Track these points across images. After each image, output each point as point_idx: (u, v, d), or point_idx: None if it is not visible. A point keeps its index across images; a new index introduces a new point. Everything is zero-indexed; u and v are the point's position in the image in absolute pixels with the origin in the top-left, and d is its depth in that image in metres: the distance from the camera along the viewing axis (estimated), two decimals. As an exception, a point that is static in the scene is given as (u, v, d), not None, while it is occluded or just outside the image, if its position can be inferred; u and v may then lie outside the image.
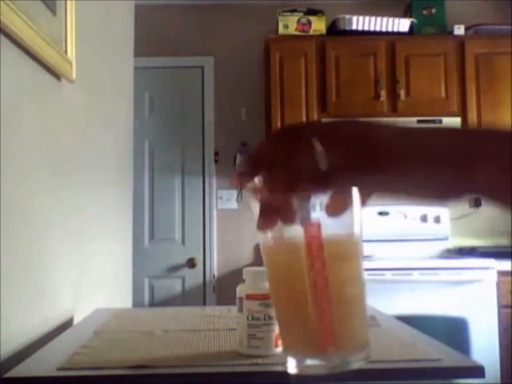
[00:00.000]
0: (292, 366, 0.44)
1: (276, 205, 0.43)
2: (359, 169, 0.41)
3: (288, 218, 0.43)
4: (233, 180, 0.44)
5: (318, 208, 0.44)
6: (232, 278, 3.31)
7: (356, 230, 0.45)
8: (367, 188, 0.43)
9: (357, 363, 0.43)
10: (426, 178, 0.40)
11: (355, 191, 0.44)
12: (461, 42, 3.18)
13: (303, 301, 0.43)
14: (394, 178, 0.41)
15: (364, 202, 0.45)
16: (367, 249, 3.04)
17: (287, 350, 0.45)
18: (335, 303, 0.43)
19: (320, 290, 0.43)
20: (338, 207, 0.44)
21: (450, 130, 0.42)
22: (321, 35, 3.20)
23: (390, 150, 0.41)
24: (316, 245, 0.43)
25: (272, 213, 0.43)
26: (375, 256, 3.00)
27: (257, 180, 0.43)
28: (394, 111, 3.14)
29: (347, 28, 3.18)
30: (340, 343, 0.43)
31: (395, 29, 3.20)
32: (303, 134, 0.42)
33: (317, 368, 0.43)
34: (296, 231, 0.44)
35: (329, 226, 0.44)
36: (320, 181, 0.41)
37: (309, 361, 0.44)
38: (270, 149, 0.43)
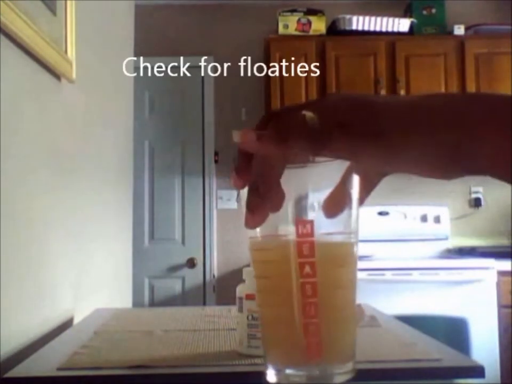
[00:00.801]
0: (271, 374, 0.41)
1: (264, 189, 0.38)
2: (358, 130, 0.36)
3: (277, 202, 0.39)
4: (234, 178, 0.41)
5: (316, 206, 0.40)
6: (232, 278, 3.31)
7: (353, 232, 0.42)
8: (364, 159, 0.38)
9: (342, 376, 0.40)
10: (427, 154, 0.37)
11: (355, 187, 0.41)
12: (461, 42, 3.18)
13: (289, 307, 0.40)
14: (395, 147, 0.36)
15: (367, 191, 0.42)
16: (367, 249, 3.04)
17: (268, 356, 0.42)
18: (323, 311, 0.40)
19: (308, 297, 0.40)
20: (336, 207, 0.40)
21: (454, 98, 0.38)
22: (321, 35, 3.20)
23: (391, 112, 0.37)
24: (306, 246, 0.40)
25: (260, 200, 0.39)
26: (375, 256, 3.00)
27: None
28: (394, 111, 3.13)
29: (347, 28, 3.18)
30: (324, 354, 0.40)
31: (395, 29, 3.20)
32: (291, 109, 0.39)
33: (298, 378, 0.40)
34: (291, 229, 0.40)
35: (324, 226, 0.40)
36: (313, 138, 0.36)
37: (290, 371, 0.41)
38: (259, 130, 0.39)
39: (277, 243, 0.41)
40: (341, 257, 0.42)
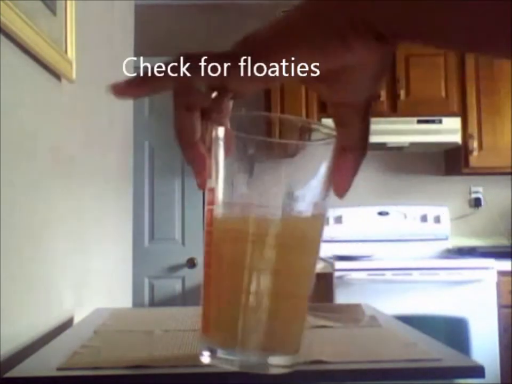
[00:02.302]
0: (205, 356, 0.39)
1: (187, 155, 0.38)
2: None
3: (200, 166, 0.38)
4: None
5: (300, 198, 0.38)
6: (232, 278, 3.31)
7: (320, 213, 0.39)
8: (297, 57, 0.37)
9: (277, 368, 0.38)
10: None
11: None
12: (461, 42, 3.18)
13: (233, 287, 0.38)
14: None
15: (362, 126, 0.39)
16: (367, 249, 3.04)
17: (205, 335, 0.40)
18: (269, 297, 0.37)
19: (213, 273, 0.38)
20: (346, 179, 0.38)
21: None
22: (321, 35, 3.20)
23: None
24: (208, 216, 0.38)
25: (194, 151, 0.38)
26: (375, 256, 3.00)
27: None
28: (394, 111, 3.13)
29: (347, 28, 3.17)
30: (264, 342, 0.38)
31: (395, 29, 3.20)
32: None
33: (230, 363, 0.39)
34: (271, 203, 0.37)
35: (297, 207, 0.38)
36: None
37: (223, 354, 0.39)
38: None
39: (248, 217, 0.38)
40: (297, 240, 0.38)
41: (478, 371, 0.87)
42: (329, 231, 3.11)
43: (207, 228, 0.40)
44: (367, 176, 3.28)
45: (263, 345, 0.38)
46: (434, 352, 0.95)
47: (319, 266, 2.73)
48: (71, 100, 1.46)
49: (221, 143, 0.39)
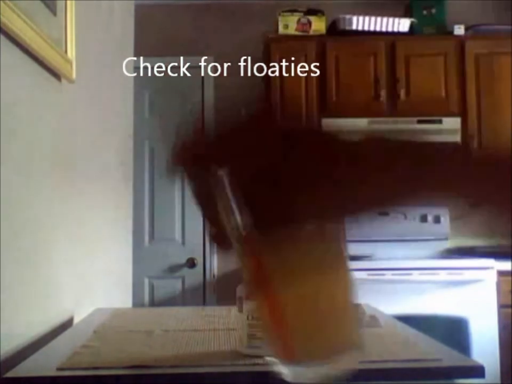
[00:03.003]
0: (289, 373, 0.41)
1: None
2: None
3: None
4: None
5: None
6: (232, 278, 3.31)
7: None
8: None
9: (349, 366, 0.41)
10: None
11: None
12: (461, 42, 3.18)
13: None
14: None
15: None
16: (367, 249, 3.04)
17: (283, 357, 0.41)
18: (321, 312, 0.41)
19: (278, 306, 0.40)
20: None
21: None
22: (321, 35, 3.19)
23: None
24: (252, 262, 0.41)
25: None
26: (375, 256, 3.00)
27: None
28: (394, 111, 3.13)
29: (347, 28, 3.17)
30: (333, 351, 0.40)
31: (395, 29, 3.20)
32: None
33: (315, 377, 0.40)
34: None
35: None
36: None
37: (307, 371, 0.40)
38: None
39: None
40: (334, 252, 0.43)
41: (478, 371, 0.87)
42: (329, 231, 3.11)
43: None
44: (367, 176, 3.27)
45: (332, 354, 0.40)
46: (434, 352, 0.95)
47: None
48: (71, 100, 1.46)
49: None
